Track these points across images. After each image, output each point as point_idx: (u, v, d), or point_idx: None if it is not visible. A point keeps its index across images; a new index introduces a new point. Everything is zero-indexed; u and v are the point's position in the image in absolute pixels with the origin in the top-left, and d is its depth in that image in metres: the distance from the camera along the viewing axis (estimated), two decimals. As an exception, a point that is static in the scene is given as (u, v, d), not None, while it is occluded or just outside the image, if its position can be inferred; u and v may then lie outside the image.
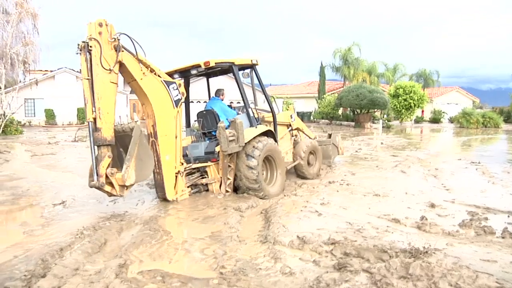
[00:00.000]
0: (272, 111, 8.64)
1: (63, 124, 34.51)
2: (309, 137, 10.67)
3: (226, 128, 6.99)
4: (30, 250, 4.72)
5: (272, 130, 8.42)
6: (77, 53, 5.81)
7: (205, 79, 9.32)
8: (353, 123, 35.30)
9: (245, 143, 7.17)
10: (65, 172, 10.68)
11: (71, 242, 4.91)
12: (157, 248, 4.75)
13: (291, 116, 9.84)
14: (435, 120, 45.53)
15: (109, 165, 5.75)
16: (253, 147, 7.35)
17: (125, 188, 5.90)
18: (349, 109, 36.95)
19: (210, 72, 8.51)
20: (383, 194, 7.71)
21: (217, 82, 9.37)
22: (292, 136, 9.94)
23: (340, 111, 39.90)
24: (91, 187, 5.78)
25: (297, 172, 9.47)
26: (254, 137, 7.53)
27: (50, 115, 34.32)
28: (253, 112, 8.17)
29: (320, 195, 7.61)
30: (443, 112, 46.76)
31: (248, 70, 8.39)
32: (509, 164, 12.52)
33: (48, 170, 11.01)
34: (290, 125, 9.78)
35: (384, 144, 19.29)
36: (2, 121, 22.65)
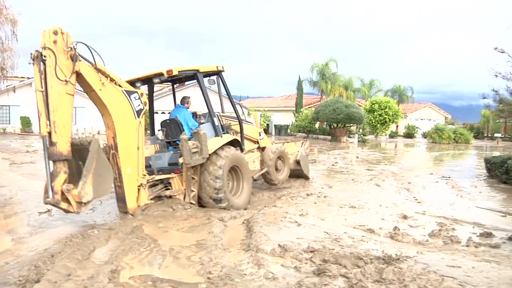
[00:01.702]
0: (238, 119, 8.48)
1: (39, 132, 33.99)
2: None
3: (190, 139, 6.91)
4: (21, 257, 4.86)
5: (238, 139, 8.26)
6: (29, 63, 5.51)
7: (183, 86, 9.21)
8: (329, 137, 35.92)
9: (210, 154, 7.05)
10: (44, 180, 10.68)
11: (61, 249, 5.05)
12: (146, 255, 4.96)
13: (259, 133, 9.52)
14: (409, 135, 46.64)
15: (65, 181, 5.52)
16: (217, 156, 7.20)
17: (83, 204, 5.65)
18: (325, 123, 37.61)
19: (175, 79, 8.40)
20: (359, 206, 8.12)
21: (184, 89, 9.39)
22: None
23: (317, 125, 40.57)
24: (46, 203, 5.65)
25: (265, 179, 9.25)
26: (219, 148, 7.38)
27: (26, 123, 33.82)
28: (219, 121, 7.95)
29: (298, 206, 7.93)
30: (417, 128, 47.97)
31: (214, 77, 8.21)
32: (477, 178, 13.17)
33: (28, 179, 11.01)
34: (257, 142, 9.43)
35: (360, 158, 19.83)
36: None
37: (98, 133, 29.96)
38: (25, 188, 9.43)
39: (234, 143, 8.02)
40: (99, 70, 6.04)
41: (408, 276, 4.15)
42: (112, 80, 6.29)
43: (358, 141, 33.85)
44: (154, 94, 8.88)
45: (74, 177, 5.70)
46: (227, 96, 8.65)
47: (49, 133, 5.49)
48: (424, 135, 44.51)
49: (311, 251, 5.01)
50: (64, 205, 5.55)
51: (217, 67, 8.08)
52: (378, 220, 7.02)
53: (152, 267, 4.63)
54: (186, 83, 10.76)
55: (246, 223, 6.49)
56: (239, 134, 8.55)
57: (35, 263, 4.50)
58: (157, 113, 8.78)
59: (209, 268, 4.49)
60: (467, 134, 38.70)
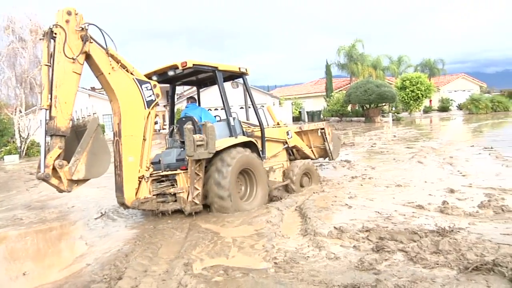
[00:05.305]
0: (260, 124, 8.04)
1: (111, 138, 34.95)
2: (310, 157, 9.64)
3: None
4: (99, 258, 5.31)
5: (254, 141, 7.67)
6: (40, 39, 5.65)
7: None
8: (363, 119, 35.79)
9: (218, 152, 6.68)
10: (100, 188, 11.25)
11: (132, 249, 5.47)
12: (212, 247, 5.32)
13: (287, 132, 8.99)
14: (444, 108, 45.86)
15: (58, 156, 5.41)
16: (226, 155, 6.82)
17: (75, 183, 5.57)
18: (358, 105, 37.44)
19: (200, 80, 8.40)
20: (404, 184, 8.31)
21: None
22: (290, 154, 9.21)
23: (349, 108, 40.41)
24: (38, 178, 5.50)
25: (287, 189, 8.53)
26: (229, 147, 6.97)
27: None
28: (238, 122, 7.69)
29: (346, 189, 8.19)
30: (451, 100, 47.10)
31: (237, 80, 8.10)
32: (521, 146, 12.98)
33: (84, 187, 11.55)
34: (286, 142, 8.93)
35: (397, 137, 19.79)
36: (25, 144, 23.51)
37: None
38: (82, 195, 9.89)
39: (250, 146, 7.53)
40: (110, 55, 6.03)
41: (464, 246, 4.38)
42: (123, 66, 6.25)
43: (393, 119, 33.62)
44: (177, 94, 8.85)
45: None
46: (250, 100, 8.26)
47: (50, 107, 5.43)
48: (460, 107, 43.75)
49: (366, 231, 5.27)
50: (54, 181, 5.42)
51: (239, 68, 7.77)
52: (426, 196, 7.19)
53: (220, 257, 4.96)
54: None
55: (298, 210, 6.80)
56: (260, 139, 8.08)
57: (113, 263, 4.92)
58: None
59: (273, 254, 4.81)
60: (505, 101, 37.82)
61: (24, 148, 23.37)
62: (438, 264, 4.03)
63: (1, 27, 21.97)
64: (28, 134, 23.96)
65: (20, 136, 23.47)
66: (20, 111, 23.60)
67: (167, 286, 4.20)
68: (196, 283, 4.17)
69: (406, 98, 37.67)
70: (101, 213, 7.84)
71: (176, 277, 4.38)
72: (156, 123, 35.13)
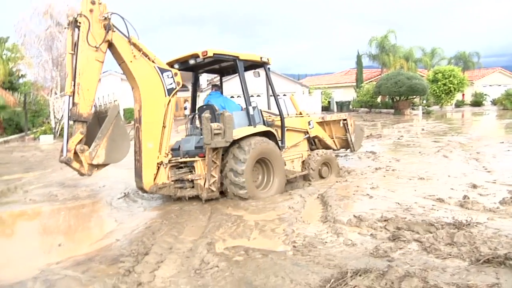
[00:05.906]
0: (280, 114, 8.07)
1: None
2: (331, 148, 9.62)
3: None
4: (127, 235, 5.64)
5: (273, 131, 7.69)
6: (65, 28, 5.89)
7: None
8: (392, 111, 35.38)
9: (236, 141, 6.82)
10: (129, 169, 11.63)
11: (159, 227, 5.78)
12: (234, 229, 5.57)
13: (309, 122, 9.00)
14: (477, 103, 44.78)
15: (80, 141, 5.65)
16: (244, 144, 6.91)
17: (95, 168, 5.82)
18: (388, 96, 37.00)
19: (223, 69, 8.45)
20: (427, 178, 8.36)
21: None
22: (311, 144, 9.27)
23: (379, 99, 39.98)
24: (60, 162, 5.74)
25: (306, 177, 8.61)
26: (247, 136, 7.05)
27: (129, 114, 35.36)
28: (258, 111, 7.75)
29: (368, 180, 8.32)
30: (485, 95, 45.92)
31: (259, 70, 8.14)
32: (552, 145, 12.74)
33: (114, 168, 12.00)
34: (307, 132, 8.98)
35: (425, 130, 19.60)
36: (59, 125, 24.27)
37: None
38: (112, 176, 10.15)
39: (268, 135, 7.55)
40: (133, 44, 6.21)
41: (479, 239, 4.48)
42: (145, 55, 6.41)
43: (423, 113, 33.18)
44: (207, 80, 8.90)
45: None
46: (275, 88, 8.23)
47: (73, 94, 5.65)
48: (494, 102, 42.65)
49: (384, 220, 5.42)
50: (76, 165, 5.68)
51: (261, 58, 7.80)
52: (447, 190, 7.24)
53: (242, 238, 5.21)
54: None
55: (320, 197, 6.98)
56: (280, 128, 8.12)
57: (141, 239, 5.24)
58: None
59: (293, 238, 5.03)
60: (544, 98, 36.65)
61: (58, 129, 24.07)
62: (450, 255, 4.16)
63: (41, 12, 22.60)
64: (62, 115, 24.70)
65: (55, 117, 24.19)
66: (56, 93, 24.31)
67: (190, 263, 4.46)
68: (218, 261, 4.42)
69: (437, 91, 37.00)
70: (124, 193, 8.19)
71: (199, 255, 4.65)
72: (185, 108, 35.49)
